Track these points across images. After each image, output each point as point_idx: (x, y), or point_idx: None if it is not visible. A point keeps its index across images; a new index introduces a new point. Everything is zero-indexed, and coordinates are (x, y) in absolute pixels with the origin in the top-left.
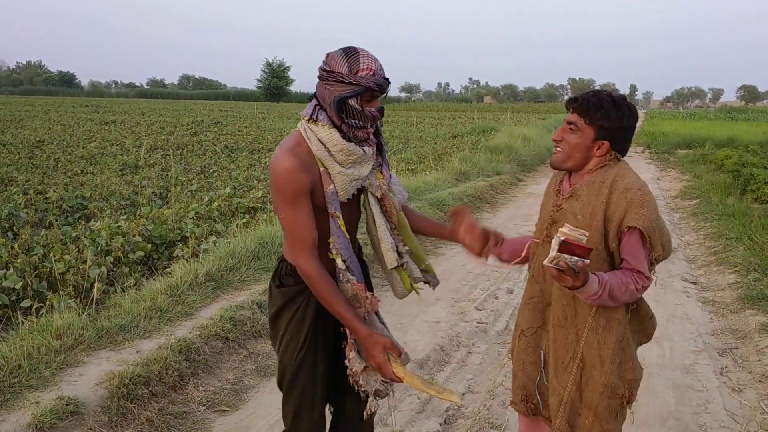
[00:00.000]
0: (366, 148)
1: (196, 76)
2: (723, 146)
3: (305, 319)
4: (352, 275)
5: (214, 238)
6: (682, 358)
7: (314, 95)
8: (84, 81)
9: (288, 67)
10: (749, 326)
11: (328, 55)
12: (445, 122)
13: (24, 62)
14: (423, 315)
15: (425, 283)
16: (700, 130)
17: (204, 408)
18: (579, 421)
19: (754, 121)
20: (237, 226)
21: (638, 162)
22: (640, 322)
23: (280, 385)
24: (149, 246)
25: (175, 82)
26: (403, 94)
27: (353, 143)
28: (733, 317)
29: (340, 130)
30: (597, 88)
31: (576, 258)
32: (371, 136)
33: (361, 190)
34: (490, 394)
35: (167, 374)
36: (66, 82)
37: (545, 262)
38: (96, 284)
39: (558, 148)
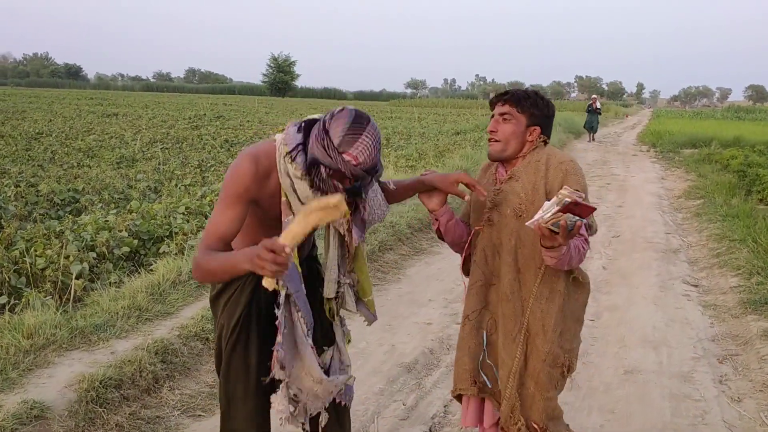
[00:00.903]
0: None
1: (202, 70)
2: (729, 146)
3: (238, 304)
4: (297, 310)
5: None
6: (680, 365)
7: (306, 125)
8: (90, 73)
9: (294, 62)
10: (751, 332)
11: (343, 109)
12: (449, 119)
13: (31, 54)
14: (414, 316)
15: (359, 314)
16: (707, 130)
17: (179, 412)
18: (523, 391)
19: (762, 121)
20: None
21: (643, 161)
22: (584, 290)
23: (217, 371)
24: (135, 242)
25: (181, 76)
26: (408, 91)
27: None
28: (734, 322)
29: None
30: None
31: (576, 217)
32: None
33: None
34: None
35: (141, 377)
36: (72, 74)
37: (539, 223)
38: (74, 281)
39: (495, 139)
